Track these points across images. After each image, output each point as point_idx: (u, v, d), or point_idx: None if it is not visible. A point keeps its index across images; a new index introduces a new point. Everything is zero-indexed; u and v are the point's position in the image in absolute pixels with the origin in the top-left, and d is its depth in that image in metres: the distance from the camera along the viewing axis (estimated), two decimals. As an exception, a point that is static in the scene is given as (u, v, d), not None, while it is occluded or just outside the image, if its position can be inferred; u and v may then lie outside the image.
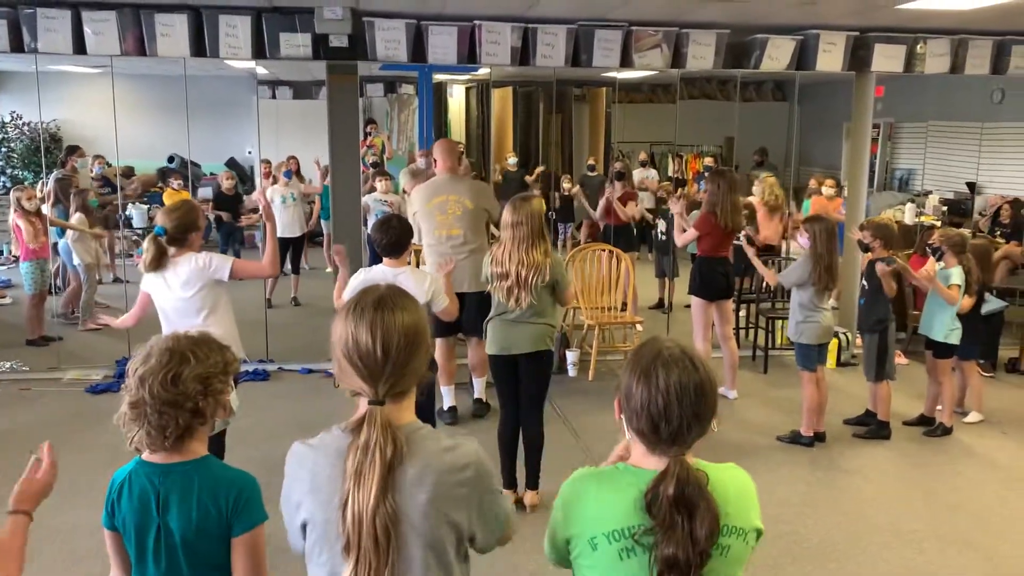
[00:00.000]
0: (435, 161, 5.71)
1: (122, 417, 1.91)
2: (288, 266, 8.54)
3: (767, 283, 6.06)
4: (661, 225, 8.49)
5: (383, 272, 4.17)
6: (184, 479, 1.91)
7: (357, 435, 1.62)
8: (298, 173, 9.34)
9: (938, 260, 5.81)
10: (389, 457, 1.59)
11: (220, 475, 1.95)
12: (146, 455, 1.95)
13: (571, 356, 6.77)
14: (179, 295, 3.72)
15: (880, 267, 5.28)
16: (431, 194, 5.58)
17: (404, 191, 7.09)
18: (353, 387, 1.67)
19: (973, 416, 5.79)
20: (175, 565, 1.91)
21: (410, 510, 1.62)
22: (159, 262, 3.68)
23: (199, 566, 1.91)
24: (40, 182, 8.04)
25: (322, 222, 9.19)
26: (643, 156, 10.81)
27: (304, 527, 1.69)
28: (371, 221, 7.82)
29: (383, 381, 1.64)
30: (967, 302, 5.51)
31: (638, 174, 10.44)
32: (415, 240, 5.75)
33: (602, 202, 8.41)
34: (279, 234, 8.24)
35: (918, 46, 7.02)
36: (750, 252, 5.87)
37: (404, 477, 1.62)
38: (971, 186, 9.24)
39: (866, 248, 5.52)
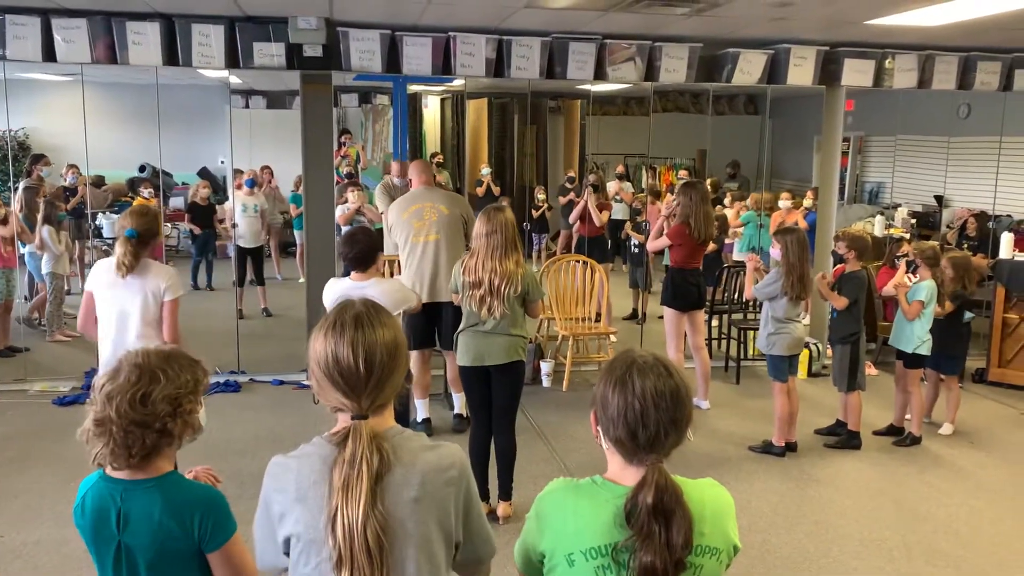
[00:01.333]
0: (410, 181, 5.79)
1: (86, 432, 1.85)
2: (251, 277, 8.46)
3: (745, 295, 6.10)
4: (635, 238, 8.53)
5: (351, 286, 4.18)
6: (146, 497, 1.86)
7: (342, 449, 1.62)
8: (270, 184, 9.30)
9: (911, 273, 5.89)
10: (376, 468, 1.61)
11: (184, 493, 1.90)
12: (109, 470, 1.89)
13: (545, 367, 6.77)
14: (137, 300, 3.67)
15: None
16: (407, 204, 5.59)
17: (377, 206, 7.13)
18: (334, 403, 1.68)
19: (947, 428, 5.85)
20: None
21: (399, 512, 1.63)
22: (134, 265, 3.64)
23: None
24: (8, 192, 7.91)
25: (295, 232, 9.14)
26: (620, 169, 10.87)
27: (287, 541, 1.68)
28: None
29: (366, 396, 1.65)
30: (939, 311, 5.59)
31: (613, 186, 10.49)
32: (392, 251, 5.76)
33: (576, 209, 8.44)
34: (237, 243, 8.26)
35: (887, 61, 7.13)
36: (750, 266, 5.83)
37: (391, 480, 1.63)
38: (939, 199, 9.39)
39: (840, 259, 5.59)
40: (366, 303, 1.75)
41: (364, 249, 4.21)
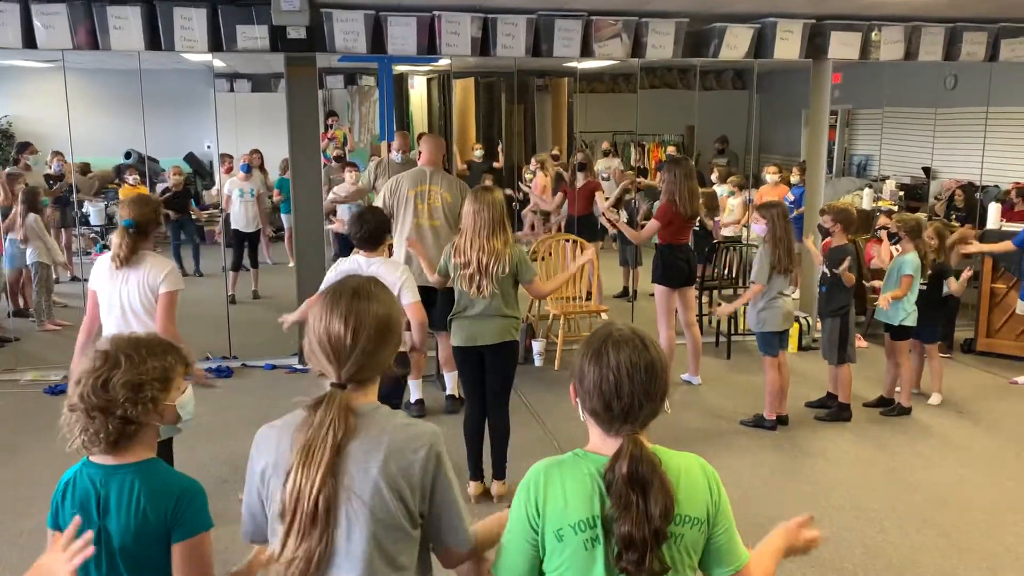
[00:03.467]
0: (420, 153, 5.76)
1: (66, 419, 1.84)
2: (246, 261, 8.46)
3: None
4: (624, 215, 8.53)
5: (357, 262, 4.20)
6: (125, 482, 1.84)
7: (313, 412, 1.66)
8: (261, 168, 9.22)
9: (894, 245, 5.91)
10: (340, 438, 1.64)
11: (162, 480, 1.87)
12: (92, 456, 1.87)
13: (537, 346, 6.79)
14: (135, 292, 3.62)
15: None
16: (414, 182, 5.57)
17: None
18: (319, 368, 1.73)
19: (935, 398, 5.90)
20: (115, 570, 1.84)
21: (356, 485, 1.64)
22: (131, 257, 3.58)
23: (139, 571, 1.84)
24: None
25: (283, 216, 9.09)
26: (606, 145, 10.83)
27: (267, 509, 1.73)
28: (340, 214, 7.77)
29: (348, 366, 1.69)
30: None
31: (602, 163, 10.47)
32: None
33: (559, 195, 8.43)
34: (234, 226, 8.23)
35: (873, 33, 7.12)
36: (743, 299, 5.82)
37: (354, 451, 1.65)
38: (927, 171, 9.40)
39: (827, 233, 5.60)
40: (370, 278, 1.81)
41: (373, 228, 4.24)
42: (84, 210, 9.34)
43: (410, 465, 1.68)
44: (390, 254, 5.93)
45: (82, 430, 1.81)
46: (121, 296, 3.63)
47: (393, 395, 4.49)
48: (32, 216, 7.42)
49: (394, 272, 4.17)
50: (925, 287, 5.77)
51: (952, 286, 5.84)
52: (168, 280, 3.62)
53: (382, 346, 1.73)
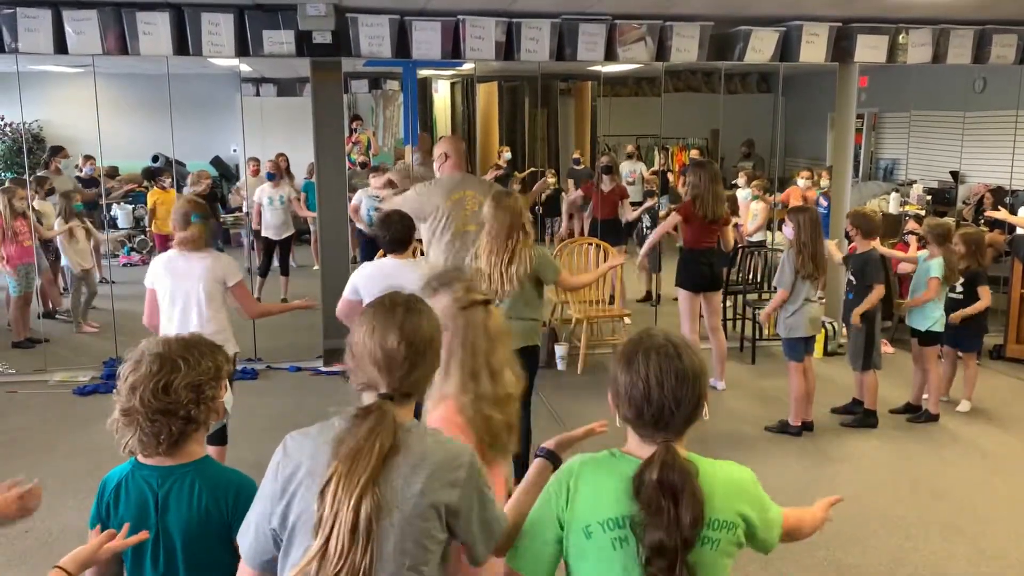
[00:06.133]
0: (444, 155, 5.39)
1: (115, 423, 1.90)
2: (276, 265, 8.51)
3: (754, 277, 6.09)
4: (646, 219, 8.51)
5: (380, 266, 4.22)
6: (184, 481, 1.91)
7: (361, 421, 1.64)
8: (288, 171, 9.30)
9: (923, 248, 5.85)
10: (387, 448, 1.61)
11: (219, 477, 1.96)
12: (141, 457, 1.93)
13: (560, 350, 6.78)
14: (202, 284, 3.95)
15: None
16: (450, 191, 5.26)
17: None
18: (366, 380, 1.71)
19: (964, 405, 5.83)
20: (173, 567, 1.90)
21: (403, 498, 1.62)
22: (201, 245, 3.99)
23: (197, 567, 1.91)
24: (26, 183, 7.95)
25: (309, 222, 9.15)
26: (630, 149, 10.80)
27: (284, 523, 1.64)
28: (363, 214, 7.75)
29: (399, 378, 1.69)
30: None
31: (626, 166, 10.45)
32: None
33: (578, 195, 8.41)
34: (264, 233, 8.31)
35: (900, 36, 7.05)
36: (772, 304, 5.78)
37: (399, 469, 1.63)
38: (955, 175, 9.29)
39: (850, 238, 5.56)
40: (415, 296, 1.82)
41: (401, 230, 4.25)
42: (112, 213, 9.47)
43: (453, 484, 1.66)
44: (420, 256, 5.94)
45: (139, 434, 1.87)
46: (187, 289, 3.96)
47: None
48: (59, 220, 7.53)
49: (417, 271, 4.21)
50: (961, 296, 5.70)
51: (983, 295, 5.74)
52: (233, 271, 4.08)
53: (428, 360, 1.74)
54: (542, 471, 1.99)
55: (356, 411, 1.67)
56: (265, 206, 8.39)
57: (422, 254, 5.65)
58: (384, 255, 4.47)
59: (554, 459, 2.04)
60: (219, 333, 3.85)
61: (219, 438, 3.85)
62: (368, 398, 1.71)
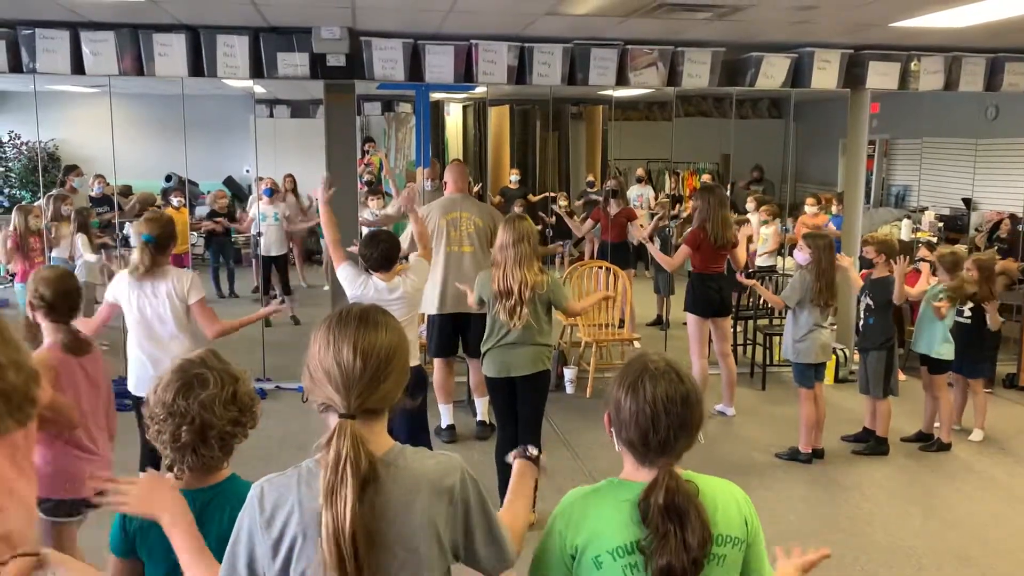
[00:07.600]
0: (446, 183, 5.82)
1: (167, 446, 1.94)
2: (278, 289, 8.52)
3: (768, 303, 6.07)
4: (658, 242, 8.49)
5: (384, 288, 4.24)
6: (219, 500, 1.95)
7: (327, 452, 1.54)
8: (295, 191, 9.36)
9: (934, 275, 5.82)
10: (364, 471, 1.53)
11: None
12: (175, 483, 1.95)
13: (569, 373, 6.76)
14: (165, 303, 3.90)
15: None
16: (445, 210, 5.64)
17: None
18: (323, 399, 1.62)
19: (976, 434, 5.77)
20: None
21: (403, 529, 1.58)
22: (152, 269, 3.86)
23: None
24: (40, 201, 8.02)
25: (321, 240, 9.18)
26: (640, 172, 10.82)
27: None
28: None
29: (356, 395, 1.58)
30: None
31: (634, 191, 10.46)
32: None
33: (589, 221, 8.44)
34: (261, 252, 8.34)
35: (912, 63, 7.07)
36: (761, 289, 5.85)
37: (394, 497, 1.59)
38: (967, 202, 9.26)
39: (870, 264, 5.53)
40: (374, 305, 1.72)
41: (387, 249, 4.29)
42: (125, 231, 9.52)
43: (441, 498, 1.63)
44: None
45: (189, 455, 1.92)
46: (149, 307, 3.90)
47: (419, 427, 4.49)
48: (80, 236, 7.57)
49: (422, 273, 4.37)
50: (969, 320, 5.67)
51: (991, 319, 5.71)
52: (194, 288, 3.94)
53: (390, 375, 1.62)
54: (523, 471, 2.04)
55: (322, 443, 1.57)
56: (260, 223, 8.43)
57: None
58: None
59: (534, 460, 2.09)
60: (189, 352, 3.78)
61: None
62: (331, 420, 1.61)
